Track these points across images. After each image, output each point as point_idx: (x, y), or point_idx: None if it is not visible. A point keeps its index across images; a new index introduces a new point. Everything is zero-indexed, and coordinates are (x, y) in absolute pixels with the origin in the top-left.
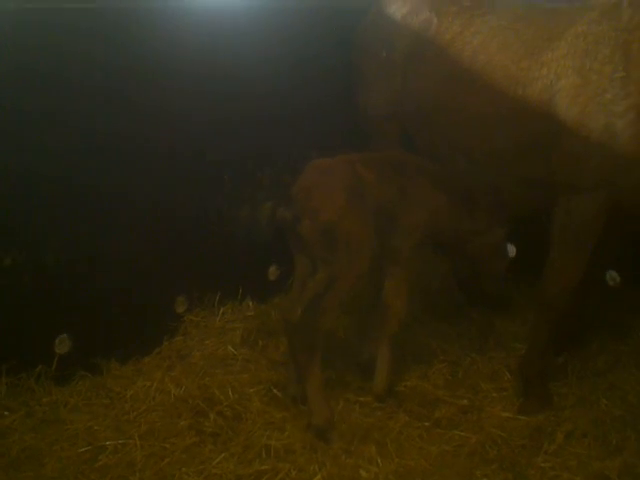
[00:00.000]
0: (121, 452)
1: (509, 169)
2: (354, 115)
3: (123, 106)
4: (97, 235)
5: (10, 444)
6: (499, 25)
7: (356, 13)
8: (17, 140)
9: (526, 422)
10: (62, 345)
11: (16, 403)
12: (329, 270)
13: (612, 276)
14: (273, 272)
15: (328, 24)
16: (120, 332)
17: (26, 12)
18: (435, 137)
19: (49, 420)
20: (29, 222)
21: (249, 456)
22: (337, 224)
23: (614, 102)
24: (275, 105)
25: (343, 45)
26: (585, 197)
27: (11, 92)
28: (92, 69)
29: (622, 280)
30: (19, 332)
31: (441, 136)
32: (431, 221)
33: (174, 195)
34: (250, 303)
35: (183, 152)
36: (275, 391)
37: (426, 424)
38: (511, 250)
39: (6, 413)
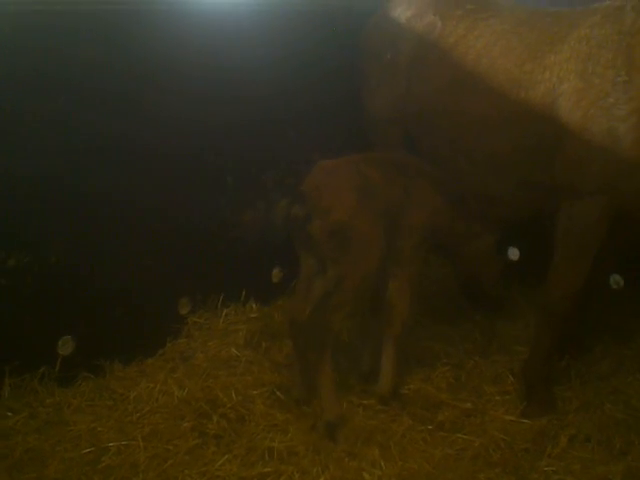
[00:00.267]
0: (124, 453)
1: (512, 172)
2: (357, 118)
3: (127, 109)
4: (101, 237)
5: (13, 445)
6: (502, 29)
7: (360, 16)
8: (22, 141)
9: (529, 426)
10: (65, 346)
11: (19, 404)
12: (338, 269)
13: (616, 280)
14: (276, 274)
15: (332, 27)
16: (123, 334)
17: (25, 14)
18: (438, 140)
19: (52, 421)
20: (33, 223)
21: (252, 458)
22: (347, 224)
23: (616, 106)
24: (278, 108)
25: (347, 48)
26: (588, 202)
27: (16, 94)
28: (95, 72)
29: (626, 284)
30: (22, 333)
31: (444, 139)
32: (429, 222)
33: (177, 197)
34: (253, 305)
35: (186, 155)
36: (278, 393)
37: (429, 427)
38: (514, 254)
39: (9, 414)
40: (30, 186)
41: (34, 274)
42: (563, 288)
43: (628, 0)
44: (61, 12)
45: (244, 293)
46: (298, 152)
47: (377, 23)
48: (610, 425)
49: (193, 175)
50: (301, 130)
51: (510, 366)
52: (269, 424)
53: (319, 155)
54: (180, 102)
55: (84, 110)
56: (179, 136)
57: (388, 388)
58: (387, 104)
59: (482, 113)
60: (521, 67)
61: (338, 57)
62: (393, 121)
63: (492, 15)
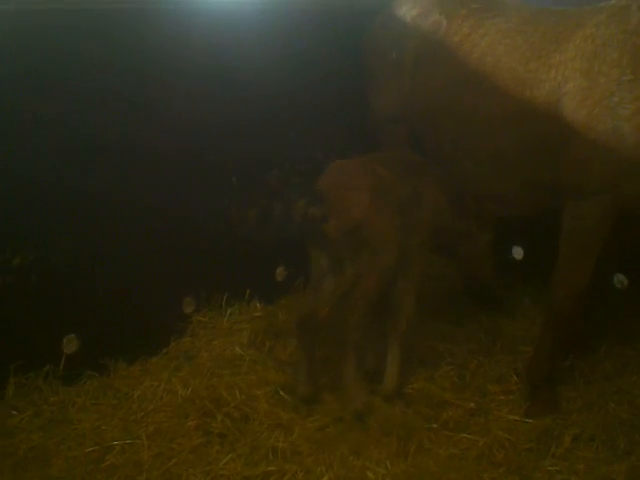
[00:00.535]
0: (128, 452)
1: (516, 171)
2: (362, 117)
3: (132, 109)
4: (105, 235)
5: (18, 443)
6: (507, 27)
7: (365, 15)
8: (26, 141)
9: (533, 425)
10: (70, 345)
11: (24, 402)
12: (355, 268)
13: (620, 279)
14: (280, 273)
15: (337, 26)
16: (127, 332)
17: (25, 13)
18: (442, 139)
19: (56, 420)
20: (38, 222)
21: (256, 457)
22: (363, 223)
23: (622, 105)
24: (283, 107)
25: (352, 47)
26: (592, 201)
27: (21, 93)
28: (101, 71)
29: (630, 283)
30: (27, 331)
31: (448, 138)
32: (434, 221)
33: (182, 197)
34: (257, 304)
35: (191, 154)
36: (282, 393)
37: (434, 426)
38: (518, 253)
39: (14, 412)
40: (35, 185)
41: (39, 273)
42: (567, 288)
43: None
44: (63, 11)
45: (248, 292)
46: (302, 151)
47: (382, 22)
48: (614, 425)
49: (198, 174)
50: (306, 129)
51: (514, 366)
52: (273, 423)
53: (324, 154)
54: (185, 102)
55: (89, 110)
56: (184, 135)
57: (393, 387)
58: (392, 103)
59: (486, 112)
60: (526, 66)
61: (343, 56)
62: (398, 120)
63: (497, 14)
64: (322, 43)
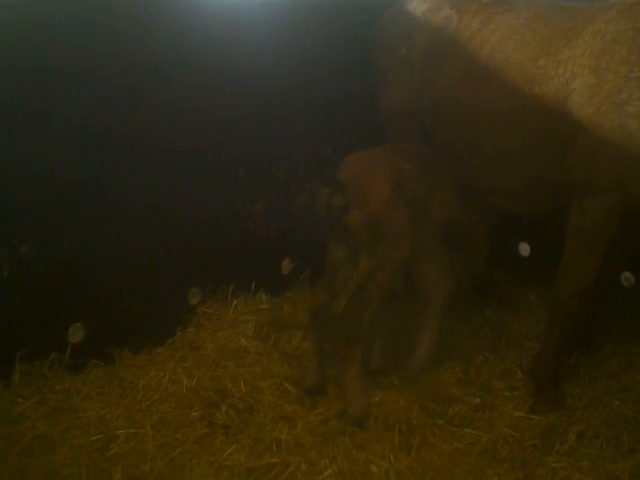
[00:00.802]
0: (133, 441)
1: (523, 168)
2: (371, 111)
3: (139, 101)
4: (113, 226)
5: (23, 431)
6: (517, 23)
7: (376, 9)
8: (33, 131)
9: (538, 422)
10: (76, 334)
11: (29, 390)
12: (371, 261)
13: (627, 277)
14: (286, 266)
15: (347, 20)
16: (133, 322)
17: (26, 4)
18: (451, 134)
19: (62, 408)
20: (45, 211)
21: (260, 449)
22: (384, 215)
23: (629, 102)
24: (290, 100)
25: (361, 41)
26: (599, 199)
27: (23, 87)
28: (106, 65)
29: (637, 281)
30: (33, 320)
31: (457, 133)
32: (447, 212)
33: (189, 188)
34: (263, 296)
35: (198, 147)
36: (287, 385)
37: (439, 422)
38: (525, 249)
39: (19, 400)
40: (43, 174)
41: (46, 261)
42: (573, 285)
43: None
44: (66, 2)
45: (254, 284)
46: (310, 145)
47: (392, 16)
48: (619, 422)
49: (205, 167)
50: (313, 123)
51: (519, 362)
52: (277, 415)
53: (331, 148)
54: (192, 95)
55: (97, 103)
56: (190, 128)
57: (419, 367)
58: (402, 97)
59: (495, 108)
60: (535, 62)
61: (352, 50)
62: (408, 115)
63: (507, 9)
64: (331, 37)
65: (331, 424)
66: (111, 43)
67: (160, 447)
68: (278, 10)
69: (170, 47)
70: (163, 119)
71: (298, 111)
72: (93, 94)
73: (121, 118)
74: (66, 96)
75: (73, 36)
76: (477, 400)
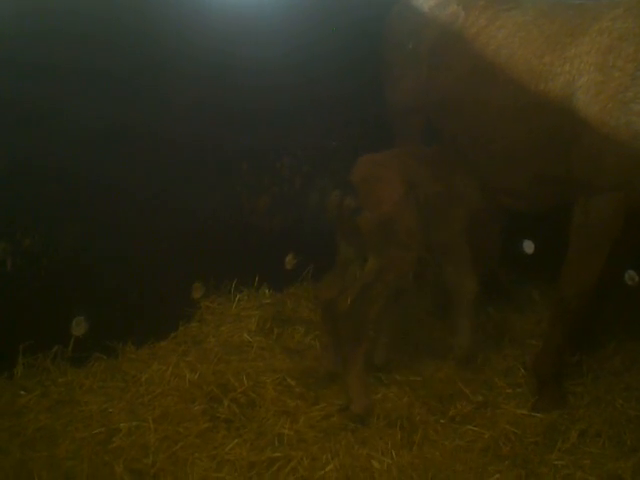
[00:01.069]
0: (135, 435)
1: (528, 165)
2: (375, 106)
3: (145, 95)
4: (116, 219)
5: (25, 423)
6: (524, 20)
7: (382, 4)
8: (36, 126)
9: (540, 419)
10: (79, 327)
11: (32, 383)
12: (379, 262)
13: (631, 275)
14: (289, 261)
15: (353, 14)
16: (136, 316)
17: None
18: (457, 130)
19: (64, 401)
20: (49, 205)
21: (262, 443)
22: (395, 217)
23: (635, 100)
24: (295, 95)
25: (367, 36)
26: (603, 197)
27: (27, 82)
28: (112, 58)
29: None
30: (36, 313)
31: (463, 129)
32: (466, 214)
33: (193, 183)
34: (266, 291)
35: (202, 141)
36: (289, 380)
37: (442, 421)
38: (529, 247)
39: (22, 392)
40: (47, 168)
41: (49, 255)
42: (577, 283)
43: None
44: None
45: (257, 279)
46: (314, 140)
47: (399, 12)
48: (621, 421)
49: (209, 162)
50: (317, 118)
51: (522, 360)
52: (279, 410)
53: (335, 143)
54: (197, 89)
55: (103, 96)
56: (195, 122)
57: (464, 354)
58: (409, 93)
59: (501, 104)
60: (541, 59)
61: (358, 45)
62: (414, 110)
63: (514, 6)
64: (338, 32)
65: (333, 419)
66: (116, 36)
67: (162, 441)
68: (284, 4)
69: (176, 40)
70: (167, 113)
71: (303, 105)
72: (97, 88)
73: (124, 113)
74: (72, 90)
75: (77, 29)
76: (479, 397)
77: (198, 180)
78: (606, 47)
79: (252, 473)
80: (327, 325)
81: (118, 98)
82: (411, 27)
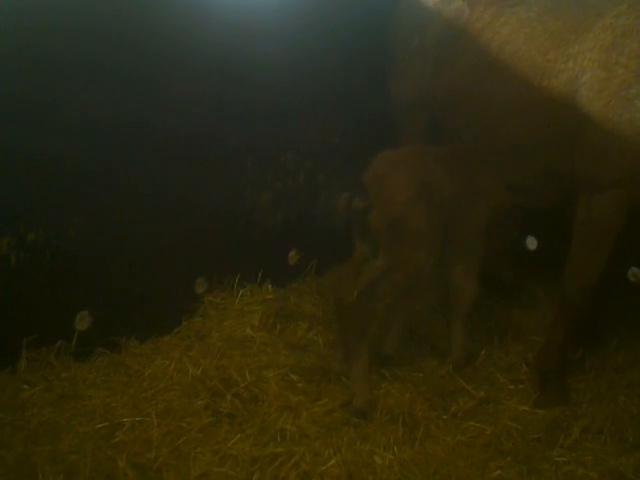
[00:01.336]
0: (138, 429)
1: (532, 161)
2: (379, 101)
3: (149, 89)
4: (120, 214)
5: (29, 417)
6: (528, 16)
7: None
8: (39, 118)
9: (542, 416)
10: (82, 321)
11: (35, 377)
12: (388, 260)
13: (634, 272)
14: (293, 257)
15: (358, 10)
16: (140, 311)
17: None
18: (461, 126)
19: (67, 395)
20: (52, 199)
21: (264, 438)
22: (406, 217)
23: (639, 97)
24: (299, 90)
25: (372, 31)
26: (607, 193)
27: (30, 75)
28: (117, 52)
29: None
30: (40, 307)
31: (467, 125)
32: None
33: (197, 178)
34: (269, 286)
35: (206, 136)
36: (292, 375)
37: (444, 417)
38: (532, 243)
39: (25, 387)
40: (50, 161)
41: (53, 249)
42: (580, 280)
43: None
44: None
45: (260, 274)
46: (318, 135)
47: (405, 7)
48: (623, 418)
49: (212, 157)
50: (322, 113)
51: (524, 356)
52: (282, 405)
53: (339, 138)
54: (201, 83)
55: (105, 91)
56: (199, 117)
57: (461, 357)
58: (414, 88)
59: (504, 100)
60: (545, 55)
61: (362, 41)
62: (419, 106)
63: (518, 2)
64: (342, 27)
65: (335, 415)
66: (122, 30)
67: (165, 435)
68: (289, 1)
69: (181, 35)
70: (172, 107)
71: (307, 101)
72: (101, 82)
73: (129, 107)
74: (75, 84)
75: (79, 21)
76: (481, 393)
77: (202, 175)
78: (610, 44)
79: (254, 468)
80: (340, 321)
81: (122, 92)
82: (417, 22)
